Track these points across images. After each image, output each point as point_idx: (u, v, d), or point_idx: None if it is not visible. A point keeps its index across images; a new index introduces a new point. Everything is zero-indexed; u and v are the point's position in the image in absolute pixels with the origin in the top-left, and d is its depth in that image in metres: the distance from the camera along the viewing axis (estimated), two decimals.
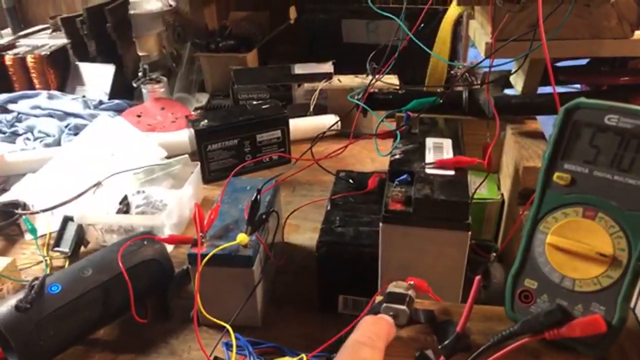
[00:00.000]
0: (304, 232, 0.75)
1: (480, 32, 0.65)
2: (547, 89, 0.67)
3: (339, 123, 1.00)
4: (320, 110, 1.04)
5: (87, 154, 0.88)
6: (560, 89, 0.72)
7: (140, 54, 1.32)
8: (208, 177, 0.88)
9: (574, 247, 0.34)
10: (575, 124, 0.36)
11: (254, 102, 0.94)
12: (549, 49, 0.56)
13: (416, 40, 0.65)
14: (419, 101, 0.62)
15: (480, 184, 0.65)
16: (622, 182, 0.33)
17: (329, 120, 1.00)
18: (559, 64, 0.67)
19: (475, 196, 0.66)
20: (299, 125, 0.98)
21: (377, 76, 0.80)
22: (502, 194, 0.69)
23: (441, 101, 0.62)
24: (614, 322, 0.32)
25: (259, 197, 0.57)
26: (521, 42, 0.57)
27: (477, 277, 0.36)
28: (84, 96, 1.13)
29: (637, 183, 0.33)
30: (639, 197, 0.32)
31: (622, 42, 0.58)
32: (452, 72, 1.01)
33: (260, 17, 1.30)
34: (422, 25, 0.70)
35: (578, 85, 0.73)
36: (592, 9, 0.56)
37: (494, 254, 0.59)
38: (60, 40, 1.22)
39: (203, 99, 1.19)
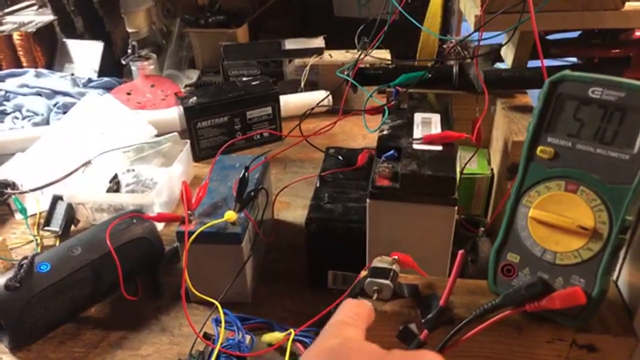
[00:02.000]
0: (294, 209, 0.75)
1: (470, 5, 0.64)
2: (539, 62, 0.66)
3: (330, 98, 0.99)
4: (311, 86, 1.03)
5: (77, 133, 0.87)
6: (553, 62, 0.71)
7: (129, 30, 1.30)
8: (198, 155, 0.87)
9: (556, 220, 0.34)
10: (560, 96, 0.35)
11: (244, 79, 0.93)
12: (538, 21, 0.55)
13: (405, 14, 0.64)
14: (408, 76, 0.62)
15: (470, 159, 0.65)
16: (605, 155, 0.33)
17: (320, 96, 0.99)
18: (550, 37, 0.66)
19: (464, 171, 0.66)
20: (290, 102, 0.97)
21: (366, 50, 0.79)
22: (492, 169, 0.69)
23: (430, 76, 0.61)
24: (593, 294, 0.33)
25: (247, 174, 0.57)
26: (511, 15, 0.57)
27: (461, 252, 0.36)
28: (72, 74, 1.12)
29: (619, 156, 0.33)
30: (621, 170, 0.32)
31: (613, 13, 0.57)
32: (443, 46, 1.00)
33: None
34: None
35: (574, 59, 0.72)
36: None
37: (482, 229, 0.59)
38: (47, 16, 1.20)
39: (193, 75, 1.18)
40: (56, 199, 0.70)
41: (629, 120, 0.33)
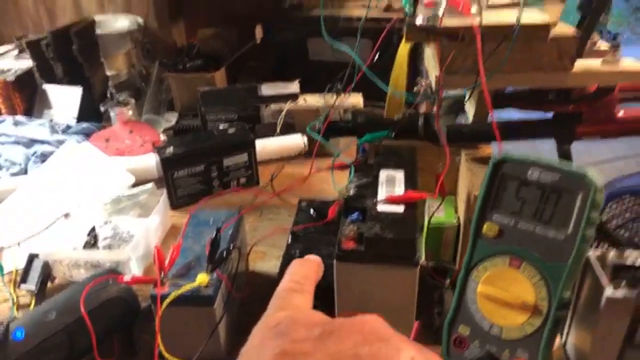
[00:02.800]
0: (269, 260, 0.76)
1: (432, 65, 0.67)
2: (502, 113, 0.70)
3: (306, 142, 1.02)
4: (287, 128, 1.05)
5: (54, 183, 0.88)
6: (517, 115, 0.75)
7: (108, 73, 1.33)
8: (175, 204, 0.89)
9: (502, 295, 0.36)
10: (503, 176, 0.38)
11: (221, 127, 0.95)
12: (494, 80, 0.59)
13: (369, 73, 0.67)
14: (373, 135, 0.64)
15: (436, 209, 0.68)
16: (543, 235, 0.36)
17: (295, 140, 1.02)
18: (508, 91, 0.70)
19: (432, 220, 0.69)
20: (266, 146, 1.00)
21: (338, 97, 0.82)
22: (459, 217, 0.71)
23: (394, 134, 0.64)
24: None
25: (219, 235, 0.59)
26: (469, 75, 0.60)
27: (416, 323, 0.38)
28: (51, 120, 1.13)
29: (555, 235, 0.35)
30: (558, 249, 0.35)
31: (563, 74, 0.61)
32: (414, 89, 1.03)
33: (228, 34, 1.31)
34: (379, 54, 0.73)
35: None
36: (533, 46, 0.58)
37: (449, 280, 0.62)
38: (26, 62, 1.21)
39: (172, 118, 1.19)
40: (32, 257, 0.71)
41: (563, 202, 0.35)
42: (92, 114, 1.17)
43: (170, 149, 0.87)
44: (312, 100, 1.04)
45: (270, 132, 1.05)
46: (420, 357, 0.27)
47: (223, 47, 1.25)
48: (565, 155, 0.70)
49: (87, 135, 1.09)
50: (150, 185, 0.85)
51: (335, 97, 0.85)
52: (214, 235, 0.59)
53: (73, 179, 0.90)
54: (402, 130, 0.71)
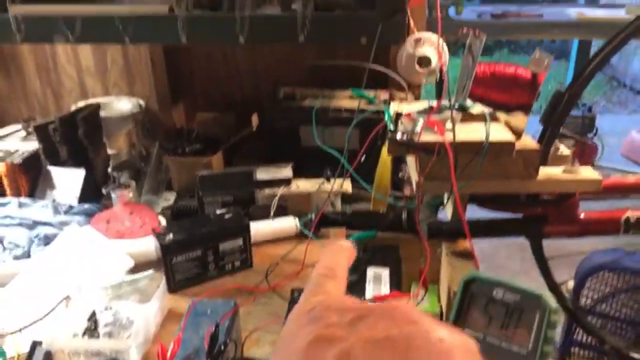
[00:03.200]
0: (263, 345, 0.80)
1: (412, 171, 0.75)
2: (478, 212, 0.77)
3: (298, 224, 1.08)
4: (281, 211, 1.12)
5: (56, 267, 0.92)
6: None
7: (109, 152, 1.39)
8: (173, 287, 0.93)
9: None
10: (472, 294, 0.44)
11: (217, 212, 1.01)
12: (468, 186, 0.66)
13: (355, 175, 0.74)
14: (359, 235, 0.70)
15: (420, 299, 0.73)
16: (508, 349, 0.41)
17: (288, 223, 1.08)
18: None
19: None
20: (260, 229, 1.05)
21: (328, 187, 0.89)
22: (441, 306, 0.76)
23: (378, 233, 0.70)
24: None
25: (217, 330, 0.63)
26: (446, 181, 0.67)
27: None
28: (54, 200, 1.18)
29: (519, 350, 0.41)
30: None
31: (529, 181, 0.68)
32: (400, 174, 1.11)
33: (226, 119, 1.39)
34: (365, 156, 0.80)
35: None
36: (501, 158, 0.66)
37: None
38: (32, 144, 1.28)
39: (171, 198, 1.25)
40: (35, 345, 0.74)
41: (524, 320, 0.41)
42: (93, 194, 1.22)
43: (170, 236, 0.92)
44: (304, 185, 1.11)
45: (264, 214, 1.11)
46: (449, 337, 0.27)
47: (221, 131, 1.34)
48: (538, 252, 0.77)
49: (89, 215, 1.14)
50: (150, 271, 0.89)
51: (327, 184, 0.92)
52: (213, 330, 0.63)
53: (74, 263, 0.94)
54: (388, 224, 0.77)
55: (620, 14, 2.97)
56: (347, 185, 1.09)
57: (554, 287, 0.78)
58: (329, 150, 0.75)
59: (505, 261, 2.29)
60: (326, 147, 0.91)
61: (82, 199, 1.21)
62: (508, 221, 0.73)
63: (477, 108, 0.72)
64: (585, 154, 3.52)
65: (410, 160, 0.79)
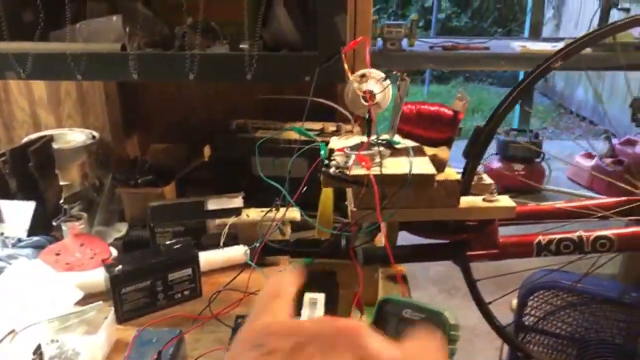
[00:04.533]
0: None
1: (349, 197, 0.80)
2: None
3: (248, 253, 1.11)
4: (232, 240, 1.15)
5: (2, 302, 0.92)
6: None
7: (62, 183, 1.40)
8: (121, 318, 0.94)
9: None
10: (386, 313, 0.49)
11: (167, 242, 1.03)
12: (397, 215, 0.71)
13: (296, 206, 0.79)
14: (296, 262, 0.75)
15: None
16: None
17: (238, 252, 1.11)
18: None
19: None
20: (210, 258, 1.08)
21: (276, 216, 0.93)
22: None
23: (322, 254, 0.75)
24: None
25: (160, 357, 0.66)
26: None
27: None
28: (2, 233, 1.18)
29: None
30: None
31: (451, 210, 0.74)
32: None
33: (179, 150, 1.43)
34: (307, 187, 0.85)
35: None
36: (425, 189, 0.72)
37: None
38: None
39: (123, 228, 1.27)
40: None
41: None
42: (43, 226, 1.22)
43: (119, 267, 0.94)
44: (254, 214, 1.14)
45: (215, 242, 1.14)
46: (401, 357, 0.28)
47: (173, 162, 1.37)
48: (466, 274, 0.83)
49: (39, 247, 1.14)
50: (98, 303, 0.90)
51: (276, 213, 0.97)
52: (155, 357, 0.66)
53: (21, 297, 0.94)
54: (326, 251, 0.82)
55: (559, 47, 3.19)
56: (296, 214, 1.14)
57: (483, 307, 0.84)
58: (269, 181, 0.79)
59: (458, 282, 2.36)
60: (268, 178, 0.96)
61: (33, 231, 1.21)
62: (435, 246, 0.79)
63: (405, 143, 0.78)
64: (533, 178, 3.71)
65: (348, 191, 0.85)
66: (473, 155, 0.77)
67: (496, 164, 3.83)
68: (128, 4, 1.13)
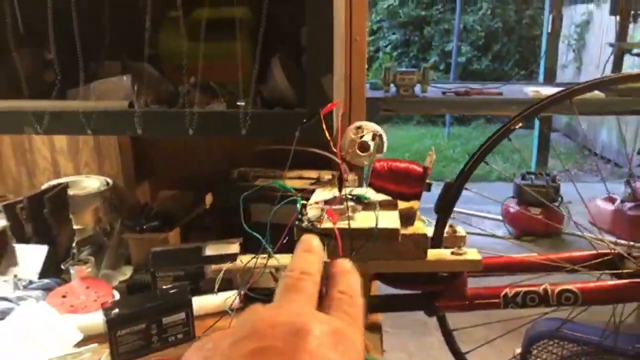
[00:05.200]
0: None
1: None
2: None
3: (228, 301, 1.15)
4: (228, 285, 1.20)
5: (7, 343, 0.99)
6: None
7: (76, 227, 1.48)
8: (117, 359, 0.99)
9: None
10: None
11: (164, 287, 1.09)
12: (368, 266, 0.76)
13: (272, 254, 0.84)
14: None
15: None
16: None
17: (233, 296, 1.16)
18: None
19: None
20: (204, 303, 1.13)
21: (267, 262, 0.98)
22: None
23: None
24: None
25: None
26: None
27: None
28: (15, 276, 1.25)
29: None
30: None
31: (420, 262, 0.78)
32: None
33: (184, 197, 1.50)
34: (287, 238, 0.90)
35: None
36: (392, 242, 0.76)
37: None
38: (0, 221, 1.37)
39: (128, 272, 1.33)
40: None
41: None
42: (55, 270, 1.30)
43: (116, 311, 0.99)
44: (247, 260, 1.19)
45: (212, 286, 1.19)
46: None
47: (180, 208, 1.44)
48: (441, 323, 0.85)
49: (48, 289, 1.22)
50: (95, 345, 0.96)
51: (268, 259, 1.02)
52: None
53: (25, 338, 1.00)
54: None
55: None
56: (288, 260, 1.19)
57: (459, 357, 0.86)
58: (249, 230, 0.85)
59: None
60: (267, 225, 1.01)
61: (44, 274, 1.28)
62: (406, 297, 0.82)
63: (379, 197, 0.83)
64: (551, 221, 3.66)
65: None
66: (443, 209, 0.81)
67: (514, 208, 3.80)
68: (137, 64, 1.24)
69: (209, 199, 1.34)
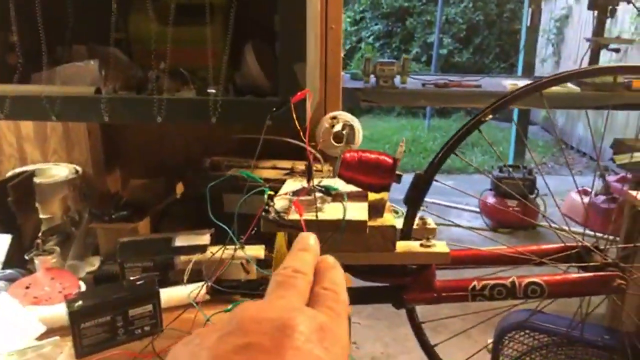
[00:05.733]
0: None
1: None
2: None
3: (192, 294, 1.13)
4: (197, 275, 1.18)
5: None
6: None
7: (42, 216, 1.44)
8: (80, 353, 0.96)
9: None
10: None
11: (131, 278, 1.06)
12: (341, 257, 0.74)
13: (241, 249, 0.82)
14: (234, 303, 0.77)
15: None
16: None
17: (198, 289, 1.14)
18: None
19: None
20: (172, 294, 1.11)
21: (239, 248, 0.96)
22: None
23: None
24: None
25: None
26: None
27: None
28: None
29: None
30: None
31: (389, 254, 0.77)
32: None
33: (156, 186, 1.47)
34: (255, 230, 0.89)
35: None
36: (360, 234, 0.75)
37: None
38: None
39: (96, 262, 1.30)
40: None
41: None
42: (20, 260, 1.26)
43: (79, 302, 0.97)
44: (218, 251, 1.18)
45: (181, 277, 1.17)
46: None
47: (150, 197, 1.41)
48: (410, 316, 0.85)
49: (12, 280, 1.18)
50: (56, 338, 0.93)
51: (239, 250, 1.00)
52: None
53: None
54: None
55: None
56: (260, 251, 1.17)
57: (428, 349, 0.86)
58: (216, 221, 0.83)
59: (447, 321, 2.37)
60: (239, 215, 0.99)
61: (8, 264, 1.24)
62: (374, 289, 0.82)
63: (348, 188, 0.82)
64: (527, 214, 3.71)
65: None
66: (412, 201, 0.80)
67: (491, 200, 3.84)
68: (105, 49, 1.20)
69: (180, 187, 1.32)
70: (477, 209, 4.00)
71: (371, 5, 8.91)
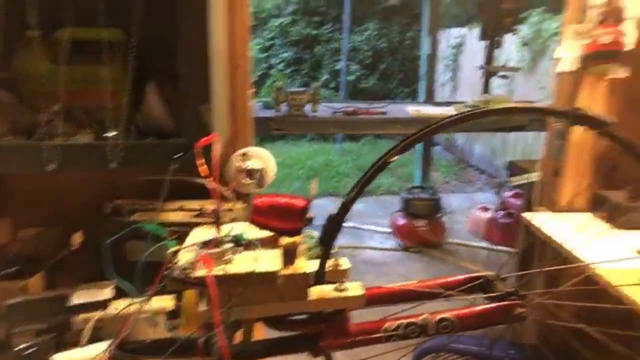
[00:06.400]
0: None
1: None
2: None
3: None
4: (98, 334, 1.08)
5: None
6: None
7: None
8: None
9: None
10: None
11: (23, 345, 0.95)
12: (254, 310, 0.71)
13: (149, 302, 0.76)
14: None
15: None
16: None
17: (100, 350, 1.04)
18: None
19: None
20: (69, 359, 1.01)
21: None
22: None
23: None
24: None
25: None
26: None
27: None
28: None
29: None
30: None
31: (303, 302, 0.76)
32: None
33: (51, 234, 1.35)
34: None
35: None
36: (272, 284, 0.73)
37: None
38: None
39: None
40: None
41: None
42: None
43: None
44: (122, 306, 1.09)
45: (80, 339, 1.06)
46: None
47: (44, 249, 1.28)
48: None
49: None
50: None
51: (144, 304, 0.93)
52: None
53: None
54: (184, 350, 0.79)
55: (449, 111, 3.47)
56: (167, 303, 1.10)
57: None
58: (113, 274, 0.77)
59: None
60: (144, 264, 0.93)
61: None
62: (288, 339, 0.80)
63: (260, 234, 0.80)
64: (435, 232, 3.89)
65: None
66: (326, 241, 0.79)
67: (401, 221, 3.98)
68: None
69: (79, 237, 1.21)
70: (389, 230, 4.13)
71: (280, 32, 9.04)
